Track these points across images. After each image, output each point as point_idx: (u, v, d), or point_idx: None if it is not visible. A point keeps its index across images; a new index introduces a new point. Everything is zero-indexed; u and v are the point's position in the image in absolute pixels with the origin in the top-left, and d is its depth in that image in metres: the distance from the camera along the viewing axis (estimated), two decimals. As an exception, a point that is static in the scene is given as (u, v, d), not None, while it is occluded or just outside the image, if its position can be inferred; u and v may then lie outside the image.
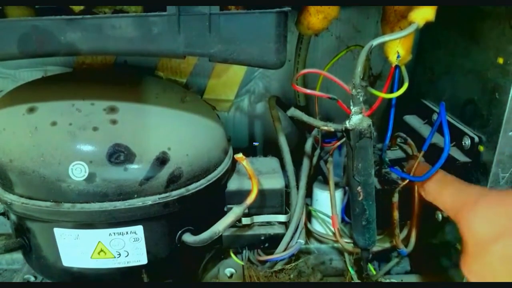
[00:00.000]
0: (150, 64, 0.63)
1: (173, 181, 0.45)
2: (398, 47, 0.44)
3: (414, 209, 0.54)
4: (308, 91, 0.48)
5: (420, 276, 0.60)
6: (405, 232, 0.56)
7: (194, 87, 0.63)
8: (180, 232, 0.48)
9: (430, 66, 0.60)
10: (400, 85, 0.45)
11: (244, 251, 0.57)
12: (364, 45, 0.41)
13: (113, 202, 0.43)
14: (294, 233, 0.54)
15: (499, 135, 0.44)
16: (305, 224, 0.58)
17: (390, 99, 0.49)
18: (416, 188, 0.52)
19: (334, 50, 0.63)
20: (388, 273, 0.60)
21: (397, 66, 0.45)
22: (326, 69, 0.54)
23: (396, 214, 0.53)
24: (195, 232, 0.48)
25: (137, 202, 0.44)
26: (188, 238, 0.48)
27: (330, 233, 0.60)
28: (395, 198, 0.52)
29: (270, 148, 0.62)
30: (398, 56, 0.44)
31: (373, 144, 0.46)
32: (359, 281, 0.56)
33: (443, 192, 0.44)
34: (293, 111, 0.49)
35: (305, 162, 0.57)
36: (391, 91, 0.46)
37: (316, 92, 0.50)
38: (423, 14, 0.40)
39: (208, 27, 0.36)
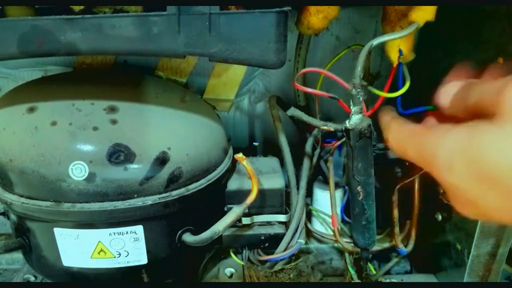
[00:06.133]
0: (150, 64, 0.63)
1: (173, 181, 0.45)
2: (399, 46, 0.44)
3: (414, 209, 0.54)
4: (309, 89, 0.48)
5: (420, 276, 0.60)
6: (405, 232, 0.56)
7: (194, 87, 0.63)
8: (180, 232, 0.48)
9: (430, 66, 0.59)
10: (402, 83, 0.45)
11: (244, 251, 0.57)
12: (365, 44, 0.41)
13: (113, 202, 0.43)
14: (294, 233, 0.54)
15: (500, 135, 0.44)
16: (305, 224, 0.58)
17: (392, 98, 0.49)
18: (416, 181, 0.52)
19: (334, 50, 0.63)
20: (388, 272, 0.60)
21: (400, 64, 0.45)
22: (326, 69, 0.54)
23: (396, 213, 0.53)
24: (195, 232, 0.48)
25: (137, 202, 0.44)
26: (188, 238, 0.48)
27: (330, 233, 0.60)
28: (395, 196, 0.53)
29: (270, 148, 0.62)
30: (401, 53, 0.44)
31: (373, 144, 0.46)
32: (359, 281, 0.56)
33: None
34: (293, 111, 0.49)
35: (305, 162, 0.57)
36: (392, 91, 0.46)
37: (317, 91, 0.50)
38: (423, 14, 0.40)
39: (208, 27, 0.36)
